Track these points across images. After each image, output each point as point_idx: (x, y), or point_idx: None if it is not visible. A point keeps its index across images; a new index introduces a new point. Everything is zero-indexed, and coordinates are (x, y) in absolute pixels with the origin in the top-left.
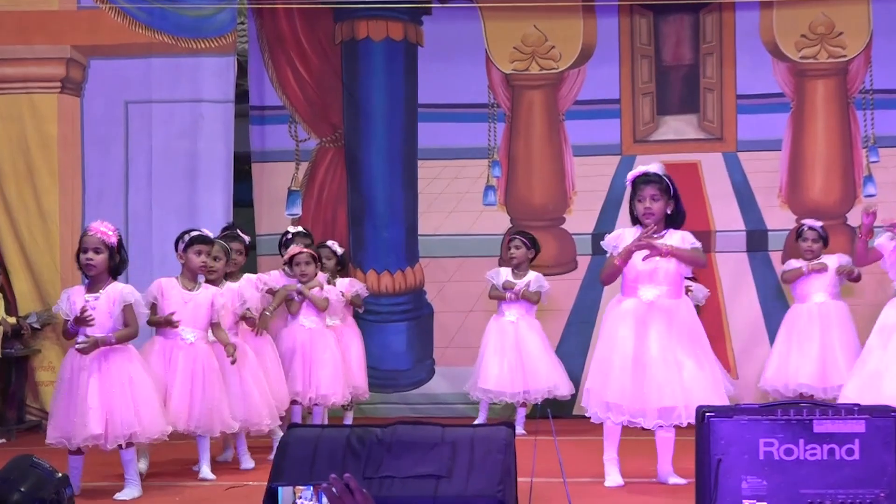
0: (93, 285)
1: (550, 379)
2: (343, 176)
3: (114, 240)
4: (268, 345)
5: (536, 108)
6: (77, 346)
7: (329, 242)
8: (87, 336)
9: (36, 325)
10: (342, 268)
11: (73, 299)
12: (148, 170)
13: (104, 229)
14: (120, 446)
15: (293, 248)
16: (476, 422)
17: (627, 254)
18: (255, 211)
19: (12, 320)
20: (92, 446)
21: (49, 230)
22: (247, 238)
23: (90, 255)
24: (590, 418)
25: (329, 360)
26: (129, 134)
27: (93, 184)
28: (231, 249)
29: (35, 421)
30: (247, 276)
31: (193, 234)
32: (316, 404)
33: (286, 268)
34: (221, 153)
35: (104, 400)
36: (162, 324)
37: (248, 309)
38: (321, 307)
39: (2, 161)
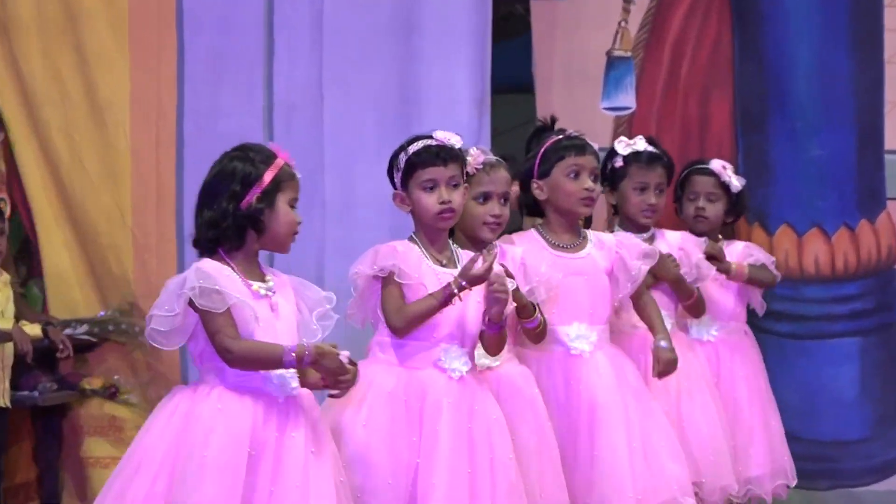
0: (250, 266)
1: None
2: (722, 22)
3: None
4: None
5: None
6: (336, 386)
7: (714, 165)
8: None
9: (86, 338)
10: (735, 217)
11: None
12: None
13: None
14: None
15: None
16: None
17: None
18: (536, 100)
19: (35, 331)
20: None
21: (111, 143)
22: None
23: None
24: None
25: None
26: None
27: (196, 59)
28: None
29: None
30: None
31: (417, 146)
32: None
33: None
34: None
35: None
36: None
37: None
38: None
39: (25, 38)
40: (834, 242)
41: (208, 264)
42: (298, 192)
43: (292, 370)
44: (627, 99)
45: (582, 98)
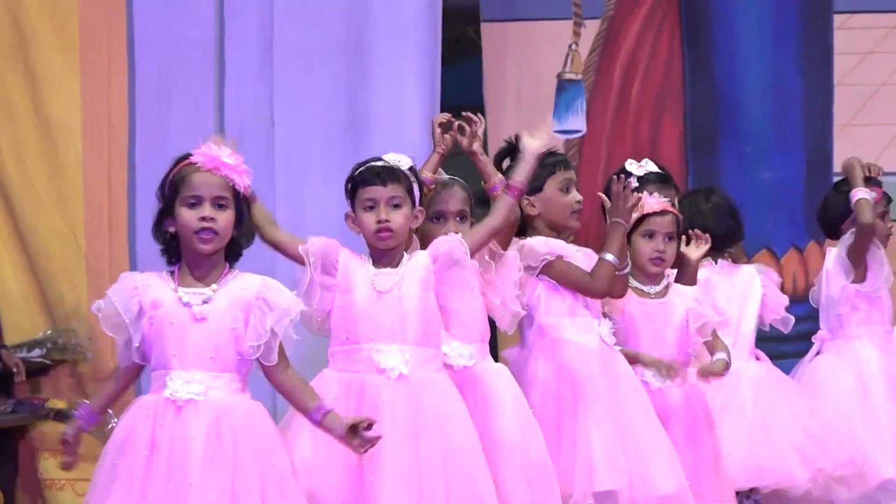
0: (195, 274)
1: None
2: (673, 44)
3: (244, 180)
4: None
5: None
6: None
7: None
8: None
9: (40, 361)
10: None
11: (152, 289)
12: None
13: (228, 158)
14: None
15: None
16: None
17: None
18: (486, 119)
19: None
20: None
21: (62, 165)
22: None
23: (207, 209)
24: None
25: None
26: None
27: (148, 63)
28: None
29: None
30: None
31: (362, 169)
32: None
33: None
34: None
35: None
36: None
37: None
38: None
39: None
40: (783, 264)
41: (130, 275)
42: (211, 188)
43: (184, 377)
44: (578, 122)
45: (533, 121)
